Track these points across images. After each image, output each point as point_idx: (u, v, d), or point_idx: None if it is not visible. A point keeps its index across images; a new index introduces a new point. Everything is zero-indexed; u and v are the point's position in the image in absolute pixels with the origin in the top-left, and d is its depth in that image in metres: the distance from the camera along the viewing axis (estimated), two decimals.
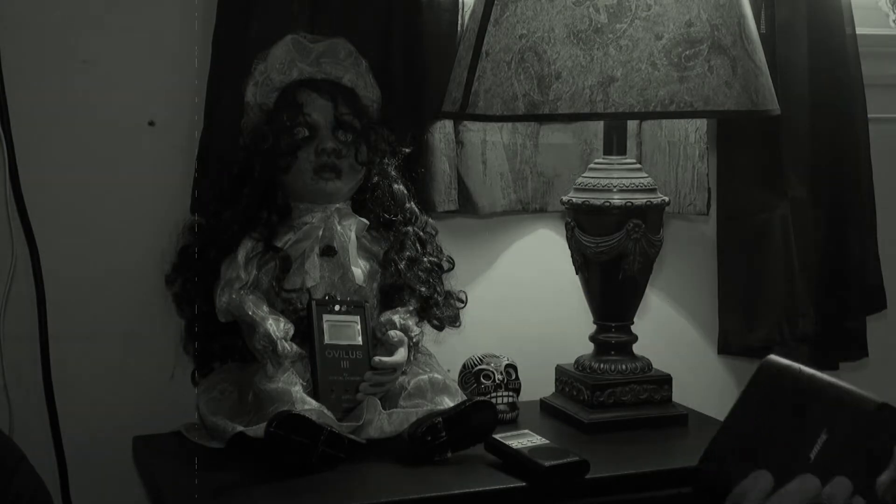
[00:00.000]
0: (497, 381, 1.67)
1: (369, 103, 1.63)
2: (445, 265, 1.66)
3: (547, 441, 1.49)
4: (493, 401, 1.59)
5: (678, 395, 1.69)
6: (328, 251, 1.57)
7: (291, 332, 1.52)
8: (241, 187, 1.59)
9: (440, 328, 1.65)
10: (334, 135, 1.58)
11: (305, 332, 1.53)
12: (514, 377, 1.70)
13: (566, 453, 1.45)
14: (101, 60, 1.64)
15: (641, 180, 1.64)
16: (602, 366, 1.67)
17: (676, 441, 1.61)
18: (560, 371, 1.73)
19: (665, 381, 1.68)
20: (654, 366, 1.69)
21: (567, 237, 1.68)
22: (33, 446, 1.47)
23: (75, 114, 1.64)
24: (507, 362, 1.70)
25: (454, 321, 1.66)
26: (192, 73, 1.66)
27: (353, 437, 1.46)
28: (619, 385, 1.65)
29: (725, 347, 1.97)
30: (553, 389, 1.74)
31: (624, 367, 1.66)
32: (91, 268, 1.66)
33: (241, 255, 1.56)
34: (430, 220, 1.67)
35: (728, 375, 2.00)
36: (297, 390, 1.47)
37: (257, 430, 1.42)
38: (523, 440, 1.48)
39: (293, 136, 1.56)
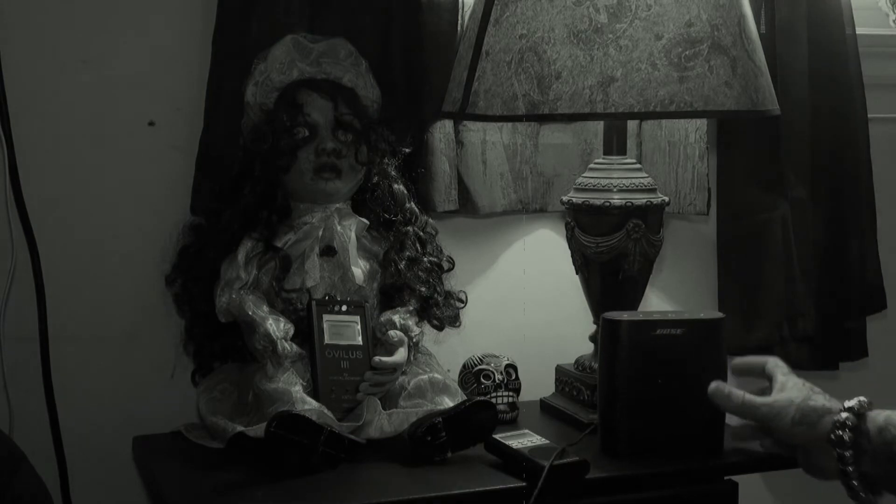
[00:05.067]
0: (497, 381, 1.67)
1: (369, 103, 1.63)
2: (445, 265, 1.66)
3: (547, 441, 1.49)
4: (493, 401, 1.59)
5: None
6: (328, 251, 1.57)
7: (291, 332, 1.52)
8: (241, 187, 1.58)
9: (440, 328, 1.64)
10: (334, 135, 1.58)
11: (305, 332, 1.53)
12: (514, 377, 1.69)
13: (566, 453, 1.45)
14: (101, 60, 1.64)
15: (641, 180, 1.64)
16: None
17: None
18: (560, 371, 1.73)
19: None
20: None
21: (567, 237, 1.68)
22: (33, 446, 1.47)
23: (75, 114, 1.64)
24: (507, 362, 1.70)
25: (454, 321, 1.66)
26: (192, 73, 1.66)
27: (353, 437, 1.46)
28: None
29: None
30: (553, 389, 1.74)
31: None
32: (91, 268, 1.66)
33: (241, 255, 1.56)
34: (430, 220, 1.67)
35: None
36: (297, 390, 1.47)
37: (257, 430, 1.42)
38: (523, 440, 1.48)
39: (293, 136, 1.56)
